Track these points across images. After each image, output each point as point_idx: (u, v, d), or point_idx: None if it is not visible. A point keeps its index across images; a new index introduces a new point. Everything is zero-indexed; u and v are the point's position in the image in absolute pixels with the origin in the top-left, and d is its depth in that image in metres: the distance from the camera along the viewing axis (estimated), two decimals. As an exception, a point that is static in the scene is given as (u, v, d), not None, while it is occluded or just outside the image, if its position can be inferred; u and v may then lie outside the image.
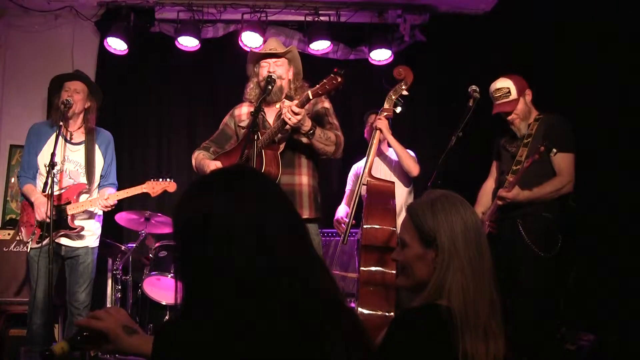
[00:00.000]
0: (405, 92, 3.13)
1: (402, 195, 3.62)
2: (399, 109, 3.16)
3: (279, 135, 2.92)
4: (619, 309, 3.24)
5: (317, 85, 2.75)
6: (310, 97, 2.76)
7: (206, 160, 3.09)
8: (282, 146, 2.99)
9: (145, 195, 3.48)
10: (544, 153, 2.79)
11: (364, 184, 3.07)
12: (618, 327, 3.18)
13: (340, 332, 1.04)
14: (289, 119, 2.75)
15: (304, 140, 2.95)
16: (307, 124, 2.83)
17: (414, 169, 3.59)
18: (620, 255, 3.34)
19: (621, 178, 3.39)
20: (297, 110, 2.74)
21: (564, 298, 3.29)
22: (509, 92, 3.13)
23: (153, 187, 3.49)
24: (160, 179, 3.52)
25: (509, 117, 3.15)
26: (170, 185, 3.51)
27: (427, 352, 1.34)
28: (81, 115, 3.52)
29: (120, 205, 4.32)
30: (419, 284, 1.49)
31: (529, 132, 3.10)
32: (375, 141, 3.24)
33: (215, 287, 1.01)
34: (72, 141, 3.49)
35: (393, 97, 3.15)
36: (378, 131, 3.26)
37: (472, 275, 1.42)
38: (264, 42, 4.30)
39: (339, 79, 2.68)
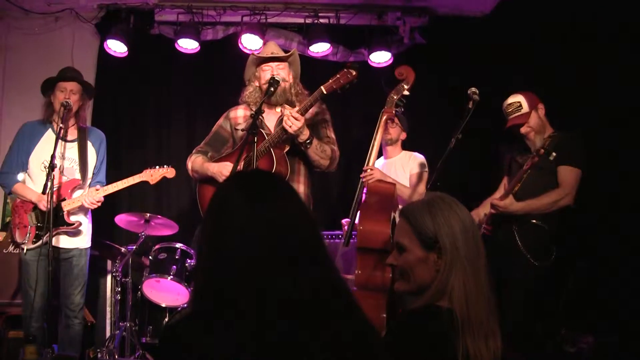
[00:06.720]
0: (406, 92, 3.08)
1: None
2: (401, 110, 3.13)
3: (282, 138, 2.90)
4: (619, 310, 3.24)
5: (331, 80, 2.69)
6: (325, 92, 2.70)
7: (208, 164, 3.03)
8: (287, 146, 2.97)
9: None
10: (543, 156, 2.77)
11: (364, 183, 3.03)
12: (618, 329, 3.18)
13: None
14: (290, 126, 2.74)
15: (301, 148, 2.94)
16: (305, 134, 2.84)
17: (412, 195, 3.43)
18: (621, 256, 3.34)
19: (621, 178, 3.40)
20: (297, 116, 2.74)
21: (563, 300, 3.29)
22: (520, 106, 3.12)
23: (151, 175, 3.39)
24: (157, 166, 3.43)
25: (523, 131, 3.11)
26: (169, 172, 3.43)
27: (429, 353, 1.34)
28: (74, 113, 3.43)
29: (120, 207, 4.32)
30: (420, 288, 1.48)
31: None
32: (377, 141, 3.13)
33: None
34: (67, 139, 3.44)
35: (395, 98, 3.08)
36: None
37: (472, 275, 1.42)
38: (263, 44, 4.29)
39: (354, 73, 2.63)
